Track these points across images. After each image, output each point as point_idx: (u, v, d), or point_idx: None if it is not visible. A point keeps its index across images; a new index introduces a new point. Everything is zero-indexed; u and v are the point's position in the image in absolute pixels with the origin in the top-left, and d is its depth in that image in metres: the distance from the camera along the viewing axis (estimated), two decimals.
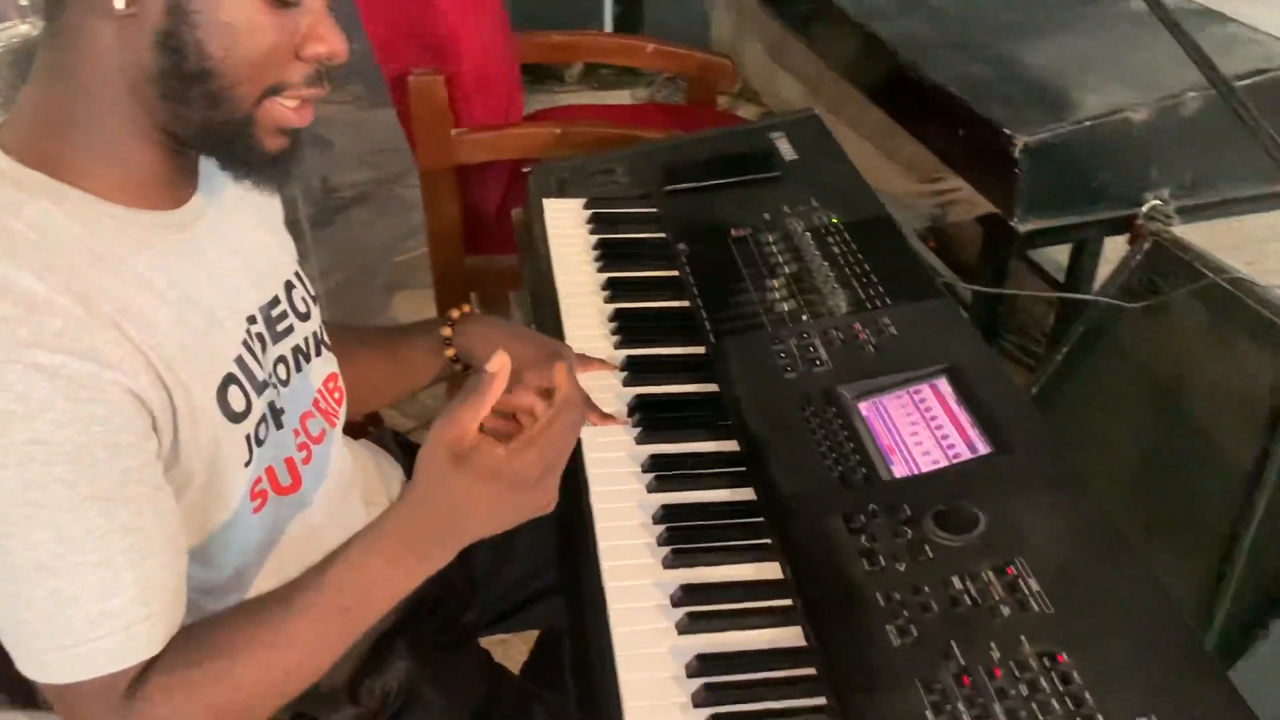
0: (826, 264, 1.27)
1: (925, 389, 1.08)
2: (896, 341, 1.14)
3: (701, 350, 1.20)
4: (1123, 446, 1.58)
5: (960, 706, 0.78)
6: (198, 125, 0.79)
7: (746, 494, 1.01)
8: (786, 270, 1.27)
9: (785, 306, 1.21)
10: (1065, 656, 0.80)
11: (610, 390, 1.14)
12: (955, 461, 0.99)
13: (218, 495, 0.85)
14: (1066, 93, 1.68)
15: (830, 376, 1.11)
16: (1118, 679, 0.78)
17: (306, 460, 0.95)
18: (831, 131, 1.59)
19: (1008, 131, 1.59)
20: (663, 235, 1.41)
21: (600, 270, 1.34)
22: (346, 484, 1.03)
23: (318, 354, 1.00)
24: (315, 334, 1.00)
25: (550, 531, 1.21)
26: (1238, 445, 1.41)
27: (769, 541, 0.96)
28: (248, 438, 0.86)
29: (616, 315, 1.24)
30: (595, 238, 1.40)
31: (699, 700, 0.82)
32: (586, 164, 1.59)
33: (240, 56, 0.76)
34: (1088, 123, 1.60)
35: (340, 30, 0.80)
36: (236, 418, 0.85)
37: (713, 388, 1.14)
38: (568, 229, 1.43)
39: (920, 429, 1.04)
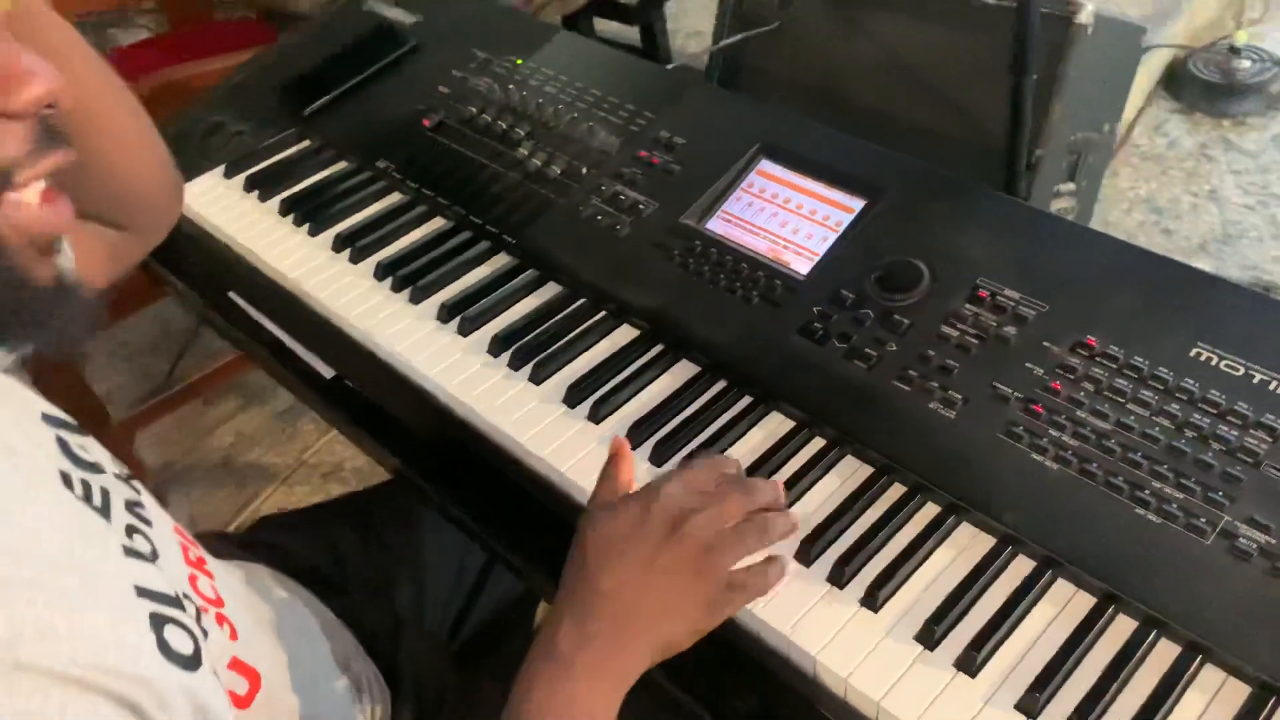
0: (555, 107, 1.13)
1: (754, 177, 1.02)
2: (691, 147, 1.05)
3: (512, 259, 1.03)
4: None
5: (1057, 434, 0.77)
6: None
7: (688, 370, 0.91)
8: (521, 133, 1.12)
9: (557, 169, 1.07)
10: (1094, 339, 0.81)
11: (457, 348, 0.95)
12: (844, 229, 0.95)
13: None
14: None
15: (663, 214, 1.00)
16: (1145, 331, 0.81)
17: (234, 637, 0.70)
18: None
19: None
20: (348, 165, 1.18)
21: (316, 233, 1.10)
22: (274, 622, 0.78)
23: (129, 483, 0.72)
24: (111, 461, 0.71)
25: (453, 551, 1.05)
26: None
27: (752, 400, 0.87)
28: (215, 672, 0.61)
29: (387, 275, 1.03)
30: (275, 201, 1.14)
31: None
32: (181, 129, 1.28)
33: None
34: None
35: (40, 56, 0.52)
36: (193, 662, 0.59)
37: (556, 290, 1.00)
38: (232, 209, 1.15)
39: (787, 217, 0.98)
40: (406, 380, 0.96)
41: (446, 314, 0.98)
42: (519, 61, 1.20)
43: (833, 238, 0.94)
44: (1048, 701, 0.66)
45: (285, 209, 1.12)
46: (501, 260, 1.03)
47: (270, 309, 1.10)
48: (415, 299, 1.00)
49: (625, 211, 1.01)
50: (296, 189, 1.15)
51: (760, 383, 0.87)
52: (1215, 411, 0.75)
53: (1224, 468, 0.72)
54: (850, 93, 1.59)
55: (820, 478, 0.81)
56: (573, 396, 0.88)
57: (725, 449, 0.83)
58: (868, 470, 0.80)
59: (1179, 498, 0.72)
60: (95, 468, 0.68)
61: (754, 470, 0.81)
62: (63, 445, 0.66)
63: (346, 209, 1.11)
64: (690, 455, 0.82)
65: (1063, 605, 0.71)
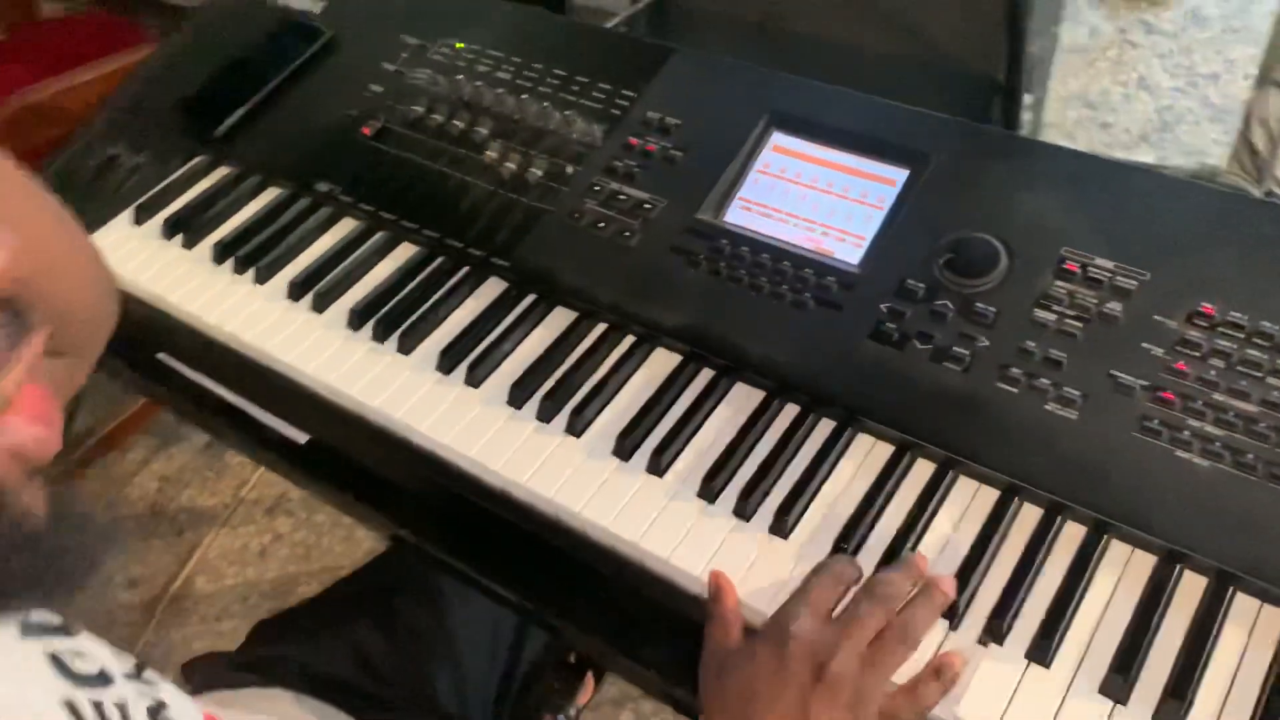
0: (517, 96, 0.98)
1: (769, 155, 0.89)
2: (689, 127, 0.92)
3: (506, 285, 0.89)
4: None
5: (1197, 424, 0.68)
6: None
7: (749, 396, 0.79)
8: (484, 132, 0.97)
9: (537, 172, 0.92)
10: (1210, 306, 0.72)
11: (472, 403, 0.81)
12: (890, 206, 0.83)
13: None
14: None
15: (674, 211, 0.87)
16: (1264, 288, 0.72)
17: None
18: None
19: None
20: (282, 192, 1.01)
21: (265, 280, 0.93)
22: None
23: (141, 678, 0.57)
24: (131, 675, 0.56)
25: (483, 617, 0.93)
26: None
27: (835, 424, 0.76)
28: None
29: (363, 322, 0.88)
30: (205, 247, 0.97)
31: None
32: (65, 168, 1.09)
33: None
34: None
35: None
36: None
37: (569, 316, 0.86)
38: (153, 262, 0.97)
39: (818, 199, 0.86)
40: (413, 447, 0.82)
41: (448, 362, 0.83)
42: (459, 45, 1.04)
43: (879, 217, 0.83)
44: None
45: (220, 254, 0.95)
46: (493, 288, 0.89)
47: (219, 372, 0.93)
48: (405, 348, 0.85)
49: (630, 214, 0.88)
50: (228, 229, 0.98)
51: (840, 402, 0.75)
52: None
53: None
54: (795, 25, 1.47)
55: (937, 511, 0.70)
56: (624, 448, 0.76)
57: (817, 489, 0.72)
58: (991, 494, 0.70)
59: None
60: (101, 679, 0.53)
61: (861, 515, 0.70)
62: (57, 663, 0.51)
63: (293, 247, 0.95)
64: (786, 505, 0.71)
65: (1251, 625, 0.63)
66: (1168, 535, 0.65)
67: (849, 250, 0.82)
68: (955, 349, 0.74)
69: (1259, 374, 0.68)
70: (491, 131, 0.96)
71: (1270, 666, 0.61)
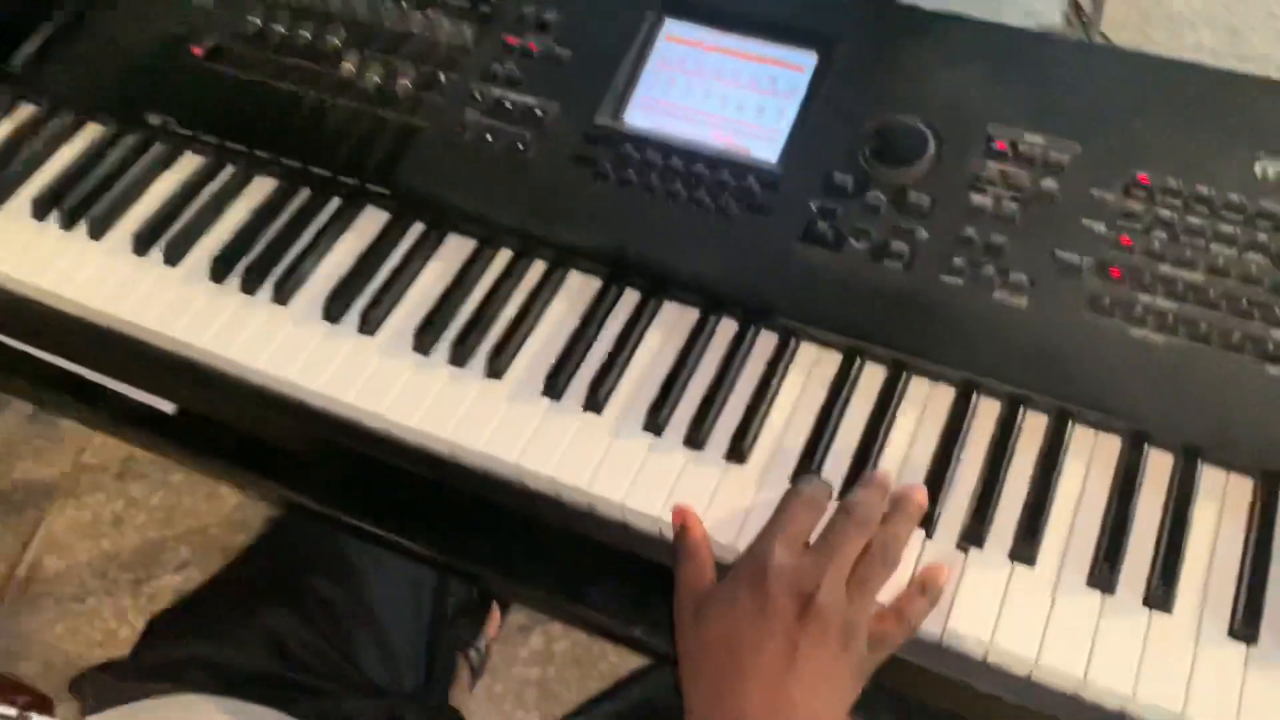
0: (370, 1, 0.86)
1: (663, 45, 0.81)
2: (571, 21, 0.83)
3: (386, 215, 0.79)
4: None
5: (1149, 298, 0.66)
6: None
7: (683, 316, 0.73)
8: (336, 41, 0.85)
9: (405, 82, 0.82)
10: (1145, 175, 0.70)
11: (370, 353, 0.73)
12: (804, 97, 0.78)
13: None
14: None
15: (569, 117, 0.79)
16: (1196, 152, 0.70)
17: None
18: None
19: None
20: (104, 130, 0.87)
21: (101, 234, 0.81)
22: None
23: None
24: None
25: (399, 578, 0.86)
26: None
27: (778, 337, 0.71)
28: None
29: (227, 273, 0.77)
30: (21, 201, 0.83)
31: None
32: None
33: None
34: None
35: None
36: None
37: (467, 246, 0.78)
38: None
39: (725, 91, 0.79)
40: (308, 408, 0.73)
41: (335, 309, 0.74)
42: None
43: (793, 109, 0.77)
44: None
45: (41, 209, 0.82)
46: (374, 220, 0.80)
47: (59, 343, 0.81)
48: (282, 298, 0.76)
49: (519, 123, 0.79)
50: (44, 178, 0.84)
51: (779, 312, 0.70)
52: None
53: None
54: None
55: (895, 416, 0.67)
56: (555, 386, 0.69)
57: (769, 406, 0.68)
58: (948, 393, 0.67)
59: None
60: None
61: (820, 428, 0.66)
62: None
63: (128, 193, 0.82)
64: (742, 428, 0.66)
65: (1221, 496, 0.62)
66: (1131, 415, 0.64)
67: (766, 147, 0.76)
68: (894, 244, 0.70)
69: (1202, 241, 0.67)
70: (344, 41, 0.85)
71: (1246, 534, 0.60)
